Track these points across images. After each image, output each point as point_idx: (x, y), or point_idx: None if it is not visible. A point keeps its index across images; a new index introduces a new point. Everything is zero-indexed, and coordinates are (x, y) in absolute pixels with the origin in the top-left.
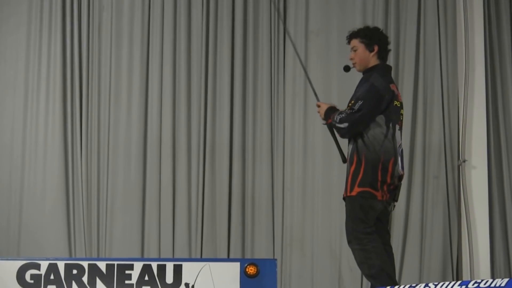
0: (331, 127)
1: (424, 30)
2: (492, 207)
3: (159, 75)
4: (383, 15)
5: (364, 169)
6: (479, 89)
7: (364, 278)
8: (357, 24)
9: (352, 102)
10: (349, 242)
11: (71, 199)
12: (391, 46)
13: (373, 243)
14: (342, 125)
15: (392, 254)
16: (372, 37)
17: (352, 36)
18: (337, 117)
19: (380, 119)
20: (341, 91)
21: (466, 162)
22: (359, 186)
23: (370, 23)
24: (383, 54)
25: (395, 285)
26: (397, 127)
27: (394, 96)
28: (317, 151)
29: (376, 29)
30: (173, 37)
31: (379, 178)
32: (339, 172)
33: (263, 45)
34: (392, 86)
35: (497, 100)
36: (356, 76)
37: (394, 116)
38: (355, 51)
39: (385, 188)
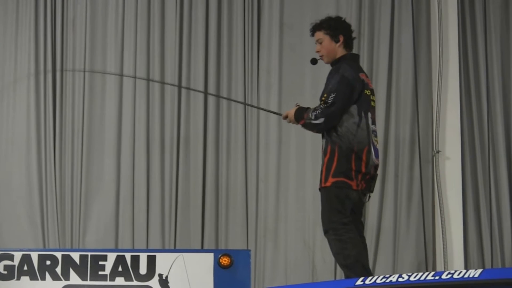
0: (306, 126)
1: (399, 22)
2: (465, 197)
3: (133, 67)
4: (357, 7)
5: (338, 159)
6: (452, 80)
7: (337, 269)
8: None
9: (325, 95)
10: (325, 232)
11: (44, 190)
12: (364, 39)
13: (349, 233)
14: (318, 121)
15: (366, 245)
16: (336, 27)
17: (315, 28)
18: (311, 114)
19: (353, 109)
20: (315, 83)
21: (440, 153)
22: (333, 176)
23: (344, 15)
24: (349, 43)
25: (369, 276)
26: (369, 115)
27: (365, 84)
28: (291, 142)
29: (338, 18)
30: (147, 29)
31: (353, 167)
32: (312, 164)
33: (237, 36)
34: (361, 75)
35: (471, 91)
36: (328, 68)
37: (365, 104)
38: (320, 43)
39: (359, 177)
